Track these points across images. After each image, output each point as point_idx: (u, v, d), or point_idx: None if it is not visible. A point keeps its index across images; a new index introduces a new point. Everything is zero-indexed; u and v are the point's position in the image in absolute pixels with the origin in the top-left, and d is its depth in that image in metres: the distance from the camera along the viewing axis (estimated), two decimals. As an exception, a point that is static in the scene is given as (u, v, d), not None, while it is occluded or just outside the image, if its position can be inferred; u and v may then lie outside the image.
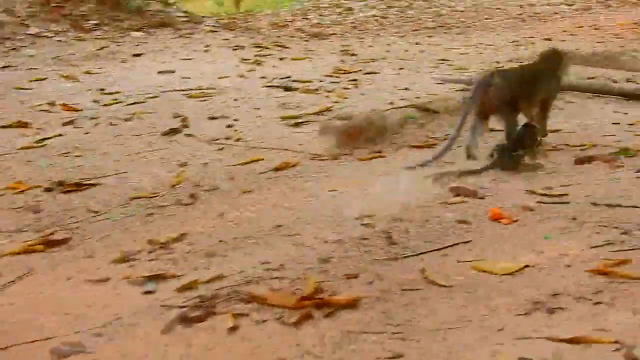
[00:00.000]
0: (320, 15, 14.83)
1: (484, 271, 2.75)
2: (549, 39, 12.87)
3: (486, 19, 17.36)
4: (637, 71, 8.15)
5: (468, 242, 3.07)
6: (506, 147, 4.10)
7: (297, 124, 5.55)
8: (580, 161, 4.22)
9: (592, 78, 7.57)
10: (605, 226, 3.14)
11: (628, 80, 7.20)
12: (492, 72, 4.63)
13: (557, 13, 19.42)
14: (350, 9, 15.97)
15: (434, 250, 3.01)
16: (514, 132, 4.16)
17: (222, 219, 3.56)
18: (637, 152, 4.41)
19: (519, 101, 4.30)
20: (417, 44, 11.90)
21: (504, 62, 9.18)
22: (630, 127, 5.23)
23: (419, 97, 6.24)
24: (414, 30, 14.28)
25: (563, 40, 12.69)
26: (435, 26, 15.34)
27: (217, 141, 5.10)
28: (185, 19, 10.61)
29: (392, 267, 2.89)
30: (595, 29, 15.07)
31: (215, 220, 3.55)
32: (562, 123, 5.35)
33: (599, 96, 6.35)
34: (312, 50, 9.78)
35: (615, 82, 6.77)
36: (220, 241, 3.26)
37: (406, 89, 6.82)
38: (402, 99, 6.19)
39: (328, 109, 5.85)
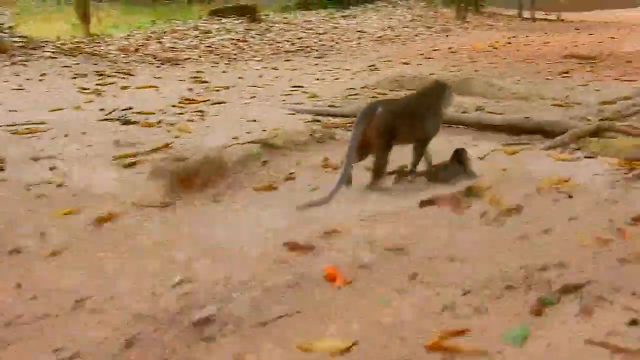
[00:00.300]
0: (176, 39, 14.32)
1: (310, 350, 2.40)
2: (407, 63, 12.94)
3: (346, 41, 17.38)
4: (488, 98, 8.18)
5: (297, 312, 2.71)
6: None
7: (131, 164, 5.04)
8: (423, 203, 3.98)
9: (444, 106, 7.52)
10: (446, 286, 2.87)
11: (478, 109, 7.15)
12: (376, 101, 4.56)
13: (417, 35, 19.76)
14: (208, 32, 15.53)
15: (257, 325, 2.63)
16: (384, 167, 4.26)
17: (18, 291, 3.05)
18: (485, 190, 4.20)
19: (399, 134, 4.25)
20: (274, 68, 11.63)
21: (359, 88, 9.04)
22: (480, 161, 5.09)
23: (265, 130, 5.90)
24: (272, 54, 14.03)
25: (419, 64, 12.79)
26: (294, 49, 15.16)
27: (35, 187, 4.54)
28: (20, 44, 9.85)
29: (207, 350, 2.49)
30: (452, 51, 15.34)
31: (9, 292, 3.03)
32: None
33: (450, 126, 6.23)
34: (160, 78, 9.30)
35: (470, 111, 6.67)
36: (7, 324, 2.75)
37: (254, 120, 6.48)
38: (248, 133, 5.83)
39: (167, 146, 5.39)
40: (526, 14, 27.75)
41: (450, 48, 16.00)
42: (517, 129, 5.83)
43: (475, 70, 11.56)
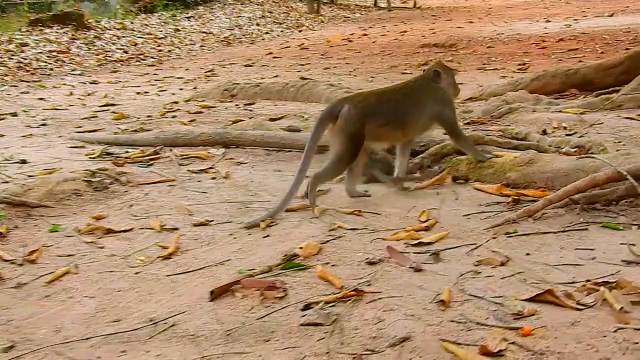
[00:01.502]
0: (-21, 54, 12.18)
1: None
2: (250, 65, 11.46)
3: (188, 45, 15.70)
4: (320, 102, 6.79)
5: None
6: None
7: None
8: (216, 292, 2.49)
9: (280, 118, 6.07)
10: None
11: (289, 128, 5.62)
12: (343, 98, 3.84)
13: (267, 33, 18.30)
14: (24, 44, 13.46)
15: None
16: (337, 174, 3.72)
17: None
18: (307, 268, 2.75)
19: (372, 136, 3.63)
20: (93, 83, 9.82)
21: (182, 101, 7.45)
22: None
23: (32, 176, 4.27)
24: (98, 66, 12.15)
25: (264, 65, 11.33)
26: (126, 58, 13.32)
27: None
28: None
29: None
30: (303, 48, 13.99)
31: None
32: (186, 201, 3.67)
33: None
34: None
35: (295, 130, 5.17)
36: None
37: (23, 161, 4.82)
38: (5, 182, 4.18)
39: None
40: (383, 3, 26.91)
41: (302, 44, 14.63)
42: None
43: (326, 68, 10.20)
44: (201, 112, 6.64)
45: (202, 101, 7.45)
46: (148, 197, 3.87)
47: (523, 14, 18.84)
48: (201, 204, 3.72)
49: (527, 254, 2.78)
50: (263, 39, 17.19)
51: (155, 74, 10.86)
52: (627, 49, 9.61)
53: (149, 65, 12.35)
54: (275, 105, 6.96)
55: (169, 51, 14.51)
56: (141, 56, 13.63)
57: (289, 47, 14.57)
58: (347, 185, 3.74)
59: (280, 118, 6.08)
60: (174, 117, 6.44)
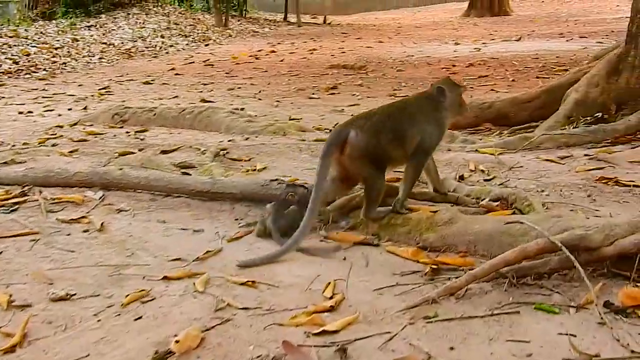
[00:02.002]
0: None
1: None
2: (150, 82, 10.77)
3: (85, 56, 14.83)
4: (236, 132, 6.26)
5: None
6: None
7: None
8: None
9: (173, 150, 5.49)
10: None
11: (217, 155, 5.16)
12: (346, 122, 3.54)
13: (172, 46, 17.56)
14: None
15: None
16: (378, 194, 3.42)
17: None
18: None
19: (389, 153, 3.41)
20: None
21: (67, 126, 6.75)
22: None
23: None
24: (-19, 78, 11.25)
25: (164, 83, 10.67)
26: (15, 70, 12.40)
27: None
28: None
29: None
30: (209, 64, 13.38)
31: None
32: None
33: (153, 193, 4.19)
34: None
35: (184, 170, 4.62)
36: None
37: None
38: None
39: None
40: (293, 18, 26.52)
41: (207, 60, 14.03)
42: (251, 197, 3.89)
43: (230, 89, 9.65)
44: (86, 140, 5.97)
45: (90, 126, 6.78)
46: (2, 257, 3.23)
47: (432, 35, 18.79)
48: (66, 267, 3.11)
49: (451, 348, 2.32)
50: (167, 52, 16.49)
51: (44, 90, 10.05)
52: (537, 77, 9.48)
53: (40, 79, 11.50)
54: (171, 134, 6.36)
55: (64, 63, 13.64)
56: (32, 68, 12.73)
57: (193, 62, 13.93)
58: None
59: (173, 150, 5.50)
60: (54, 145, 5.75)
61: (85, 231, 3.58)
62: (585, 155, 4.67)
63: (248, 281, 2.91)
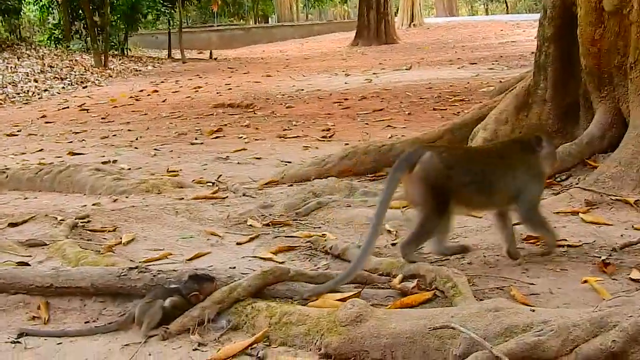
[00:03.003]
0: None
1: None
2: (14, 134, 9.70)
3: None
4: (103, 193, 5.40)
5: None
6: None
7: None
8: None
9: (24, 222, 4.57)
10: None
11: (30, 243, 4.15)
12: (424, 145, 3.52)
13: (47, 90, 16.36)
14: None
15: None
16: (425, 235, 3.12)
17: None
18: None
19: (457, 192, 3.06)
20: None
21: None
22: None
23: None
24: None
25: (32, 134, 9.62)
26: None
27: None
28: None
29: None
30: (83, 109, 12.35)
31: None
32: None
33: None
34: None
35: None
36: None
37: None
38: None
39: None
40: (177, 54, 25.61)
41: (82, 104, 12.97)
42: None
43: (104, 137, 8.72)
44: None
45: None
46: None
47: (321, 67, 18.32)
48: None
49: None
50: (40, 98, 15.28)
51: None
52: (434, 109, 9.04)
53: None
54: (25, 199, 5.43)
55: None
56: None
57: (67, 107, 12.86)
58: (434, 246, 3.21)
59: (24, 222, 4.58)
60: None
61: None
62: (503, 204, 4.08)
63: None
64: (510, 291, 2.78)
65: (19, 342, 2.72)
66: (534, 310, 2.25)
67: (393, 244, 3.58)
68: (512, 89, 5.11)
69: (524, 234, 3.50)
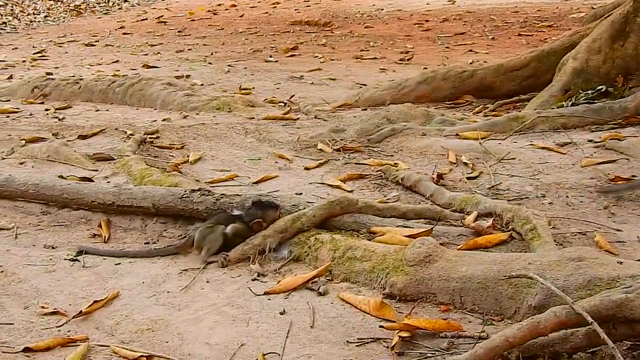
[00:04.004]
0: None
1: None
2: (93, 44, 9.70)
3: (30, 14, 13.65)
4: (173, 108, 5.31)
5: None
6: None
7: None
8: None
9: (94, 134, 4.54)
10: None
11: (98, 157, 4.06)
12: None
13: (127, 1, 16.37)
14: None
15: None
16: None
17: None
18: None
19: None
20: None
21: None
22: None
23: None
24: None
25: (109, 45, 9.60)
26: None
27: None
28: None
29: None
30: (161, 21, 12.27)
31: None
32: None
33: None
34: None
35: None
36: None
37: None
38: None
39: None
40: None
41: (160, 17, 12.90)
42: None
43: (179, 51, 8.64)
44: None
45: (7, 101, 5.81)
46: None
47: (404, -14, 17.70)
48: None
49: None
50: (120, 8, 15.30)
51: (-30, 55, 8.97)
52: (519, 34, 8.59)
53: (-29, 42, 10.39)
54: (97, 111, 5.41)
55: (4, 23, 12.46)
56: (-36, 29, 11.58)
57: (146, 19, 12.82)
58: None
59: (94, 134, 4.56)
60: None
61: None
62: (590, 141, 3.80)
63: (142, 356, 2.04)
64: (594, 237, 2.57)
65: (77, 260, 2.68)
66: (621, 263, 2.05)
67: (469, 178, 3.38)
68: (608, 16, 4.73)
69: (612, 174, 3.25)
